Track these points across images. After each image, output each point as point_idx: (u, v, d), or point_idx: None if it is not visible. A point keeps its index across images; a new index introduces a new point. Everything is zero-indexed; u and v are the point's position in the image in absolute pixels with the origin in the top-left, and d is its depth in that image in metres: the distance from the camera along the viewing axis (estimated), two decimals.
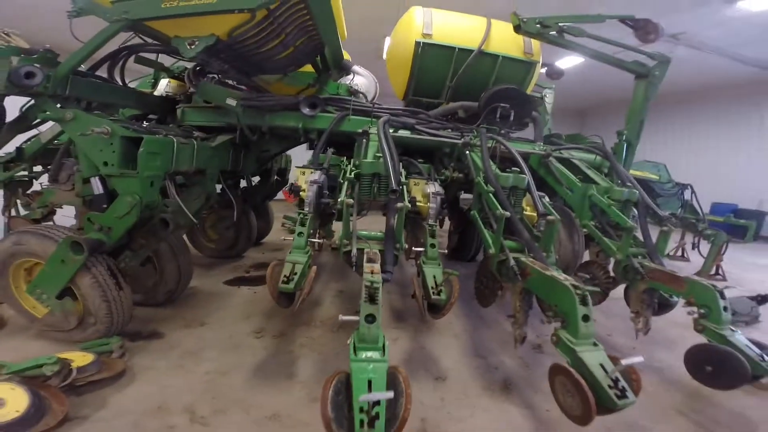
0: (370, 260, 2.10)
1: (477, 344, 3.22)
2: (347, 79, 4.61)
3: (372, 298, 1.73)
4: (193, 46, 2.67)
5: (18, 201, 3.71)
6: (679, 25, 7.01)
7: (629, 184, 3.16)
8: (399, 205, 2.33)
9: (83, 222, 2.66)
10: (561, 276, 2.00)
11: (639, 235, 2.92)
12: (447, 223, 5.84)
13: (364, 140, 3.17)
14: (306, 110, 3.39)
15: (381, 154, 2.70)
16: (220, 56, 3.14)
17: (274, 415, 2.19)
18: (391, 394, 1.45)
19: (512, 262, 2.31)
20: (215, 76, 3.92)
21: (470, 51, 3.84)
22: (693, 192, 6.99)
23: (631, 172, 5.00)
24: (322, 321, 3.43)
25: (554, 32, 3.48)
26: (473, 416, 2.32)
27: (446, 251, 5.62)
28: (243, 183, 4.99)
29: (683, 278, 2.47)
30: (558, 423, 2.22)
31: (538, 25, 3.44)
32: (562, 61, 8.65)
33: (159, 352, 2.77)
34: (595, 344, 1.84)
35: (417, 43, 3.84)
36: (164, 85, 4.19)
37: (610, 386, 1.66)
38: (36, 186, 3.84)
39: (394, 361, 2.68)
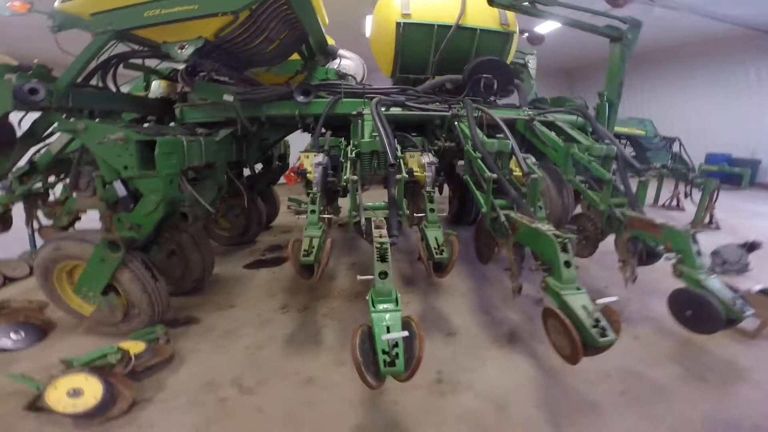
0: (378, 227, 2.32)
1: (482, 301, 3.45)
2: (335, 64, 4.72)
3: (383, 258, 1.98)
4: (183, 50, 2.75)
5: (39, 212, 3.92)
6: None
7: (608, 140, 3.32)
8: (398, 176, 2.56)
9: (113, 223, 2.83)
10: (544, 227, 2.21)
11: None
12: (447, 190, 5.99)
13: (360, 121, 3.31)
14: (300, 98, 3.48)
15: (377, 133, 2.88)
16: (211, 56, 3.23)
17: (309, 378, 2.45)
18: (406, 333, 1.72)
19: (503, 219, 2.53)
20: (206, 74, 4.02)
21: (449, 27, 3.91)
22: (681, 144, 7.15)
23: (618, 129, 5.14)
24: (339, 292, 3.68)
25: (526, 2, 3.55)
26: (484, 366, 2.55)
27: (447, 215, 5.85)
28: (247, 171, 5.18)
29: (660, 225, 2.53)
30: (560, 369, 2.41)
31: None
32: (543, 26, 8.56)
33: (199, 335, 2.99)
34: (578, 288, 1.99)
35: (398, 24, 3.91)
36: (157, 87, 4.30)
37: (592, 326, 1.79)
38: (52, 196, 4.04)
39: None
